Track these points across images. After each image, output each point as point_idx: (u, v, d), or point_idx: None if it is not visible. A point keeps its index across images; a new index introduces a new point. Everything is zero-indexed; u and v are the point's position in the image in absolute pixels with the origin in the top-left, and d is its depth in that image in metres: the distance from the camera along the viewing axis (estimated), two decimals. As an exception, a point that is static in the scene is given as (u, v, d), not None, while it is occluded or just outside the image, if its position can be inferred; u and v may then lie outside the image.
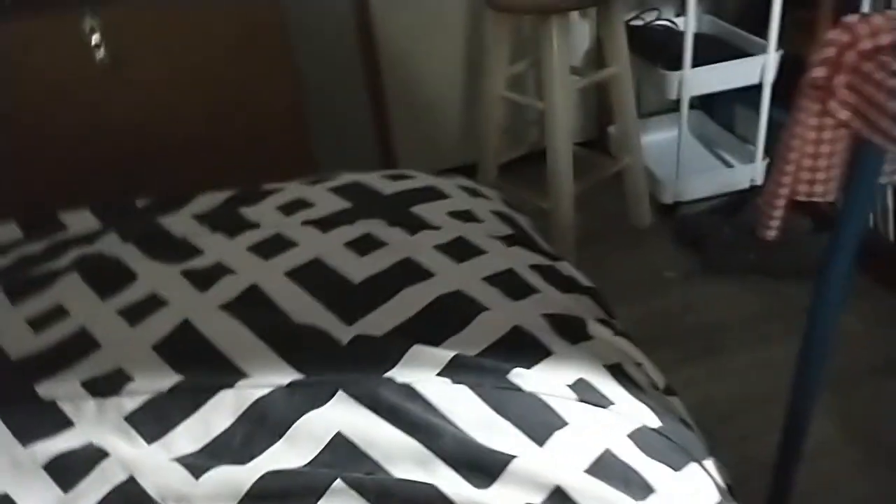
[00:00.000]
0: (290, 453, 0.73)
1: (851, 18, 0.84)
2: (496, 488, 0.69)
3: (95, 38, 1.47)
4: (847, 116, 0.87)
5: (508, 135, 2.30)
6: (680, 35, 2.00)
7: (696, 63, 2.01)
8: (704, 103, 2.46)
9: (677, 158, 2.15)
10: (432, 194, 1.11)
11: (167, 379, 0.79)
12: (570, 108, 1.89)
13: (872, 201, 1.03)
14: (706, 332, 1.79)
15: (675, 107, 2.15)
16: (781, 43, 2.00)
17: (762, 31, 2.00)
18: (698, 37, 2.16)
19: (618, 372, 0.85)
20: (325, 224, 1.02)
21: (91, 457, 0.73)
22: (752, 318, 1.81)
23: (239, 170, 1.67)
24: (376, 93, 2.32)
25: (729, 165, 2.32)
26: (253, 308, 0.87)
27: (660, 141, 2.41)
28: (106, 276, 0.94)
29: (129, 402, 0.78)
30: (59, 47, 1.52)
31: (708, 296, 1.90)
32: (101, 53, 1.48)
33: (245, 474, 0.71)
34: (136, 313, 0.88)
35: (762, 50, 2.03)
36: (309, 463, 0.72)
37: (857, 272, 1.89)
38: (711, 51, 2.08)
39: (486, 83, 2.03)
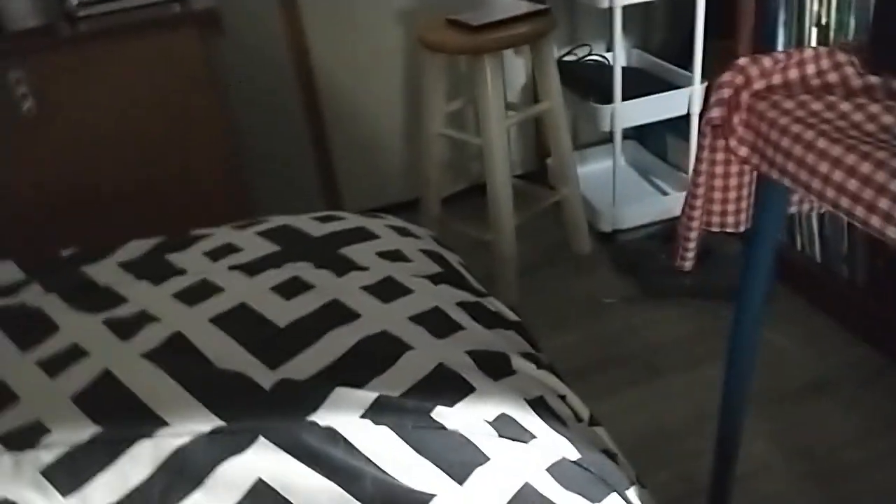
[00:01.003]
0: (209, 502, 0.73)
1: (743, 61, 0.89)
2: (415, 529, 0.70)
3: (21, 90, 1.46)
4: (746, 153, 0.91)
5: (450, 169, 2.34)
6: (610, 69, 2.07)
7: (627, 96, 2.07)
8: (638, 133, 2.53)
9: (613, 188, 2.21)
10: (361, 235, 1.12)
11: (86, 430, 0.78)
12: (506, 142, 1.93)
13: (780, 229, 1.08)
14: (647, 355, 1.83)
15: (610, 138, 2.21)
16: (706, 73, 2.08)
17: (687, 62, 2.08)
18: (628, 71, 2.24)
19: (540, 405, 0.86)
20: (252, 269, 1.02)
21: (5, 514, 0.72)
22: (690, 339, 1.86)
23: (172, 217, 1.66)
24: (318, 132, 2.33)
25: (664, 193, 2.39)
26: (176, 356, 0.87)
27: (597, 171, 2.47)
28: (26, 328, 0.93)
29: (46, 455, 0.77)
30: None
31: (647, 319, 1.95)
32: (27, 105, 1.47)
33: (163, 525, 0.70)
34: (56, 364, 0.87)
35: (688, 82, 2.11)
36: (229, 511, 0.72)
37: (788, 293, 1.96)
38: (641, 84, 2.16)
39: (425, 121, 2.06)
